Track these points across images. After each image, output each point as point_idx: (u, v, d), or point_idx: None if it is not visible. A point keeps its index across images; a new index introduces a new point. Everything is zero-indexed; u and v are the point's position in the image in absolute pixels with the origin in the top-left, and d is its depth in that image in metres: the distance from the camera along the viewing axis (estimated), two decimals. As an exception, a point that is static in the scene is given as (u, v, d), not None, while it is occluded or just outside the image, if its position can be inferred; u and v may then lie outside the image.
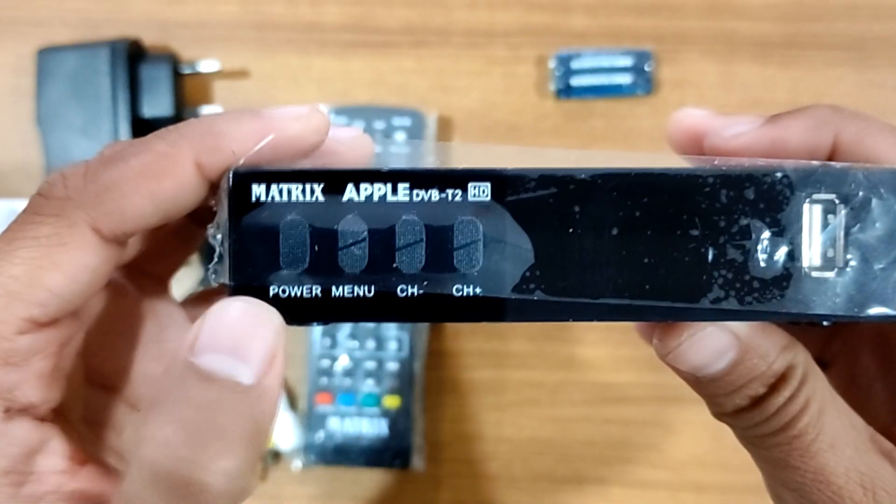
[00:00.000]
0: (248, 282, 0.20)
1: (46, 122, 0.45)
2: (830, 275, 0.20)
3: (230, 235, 0.20)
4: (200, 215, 0.22)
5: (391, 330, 0.46)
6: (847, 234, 0.20)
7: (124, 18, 0.48)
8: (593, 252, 0.20)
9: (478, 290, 0.20)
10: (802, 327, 0.21)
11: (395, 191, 0.20)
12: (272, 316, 0.19)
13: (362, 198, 0.20)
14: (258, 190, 0.20)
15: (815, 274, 0.20)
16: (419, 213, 0.20)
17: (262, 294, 0.20)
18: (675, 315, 0.20)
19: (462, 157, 0.29)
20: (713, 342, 0.20)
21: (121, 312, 0.25)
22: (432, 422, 0.47)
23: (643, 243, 0.20)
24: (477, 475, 0.47)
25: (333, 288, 0.20)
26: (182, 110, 0.47)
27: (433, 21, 0.48)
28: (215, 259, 0.20)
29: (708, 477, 0.46)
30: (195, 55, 0.48)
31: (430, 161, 0.26)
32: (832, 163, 0.20)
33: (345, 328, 0.46)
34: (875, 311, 0.20)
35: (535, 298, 0.20)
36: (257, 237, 0.20)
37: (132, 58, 0.46)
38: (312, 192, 0.20)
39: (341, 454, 0.45)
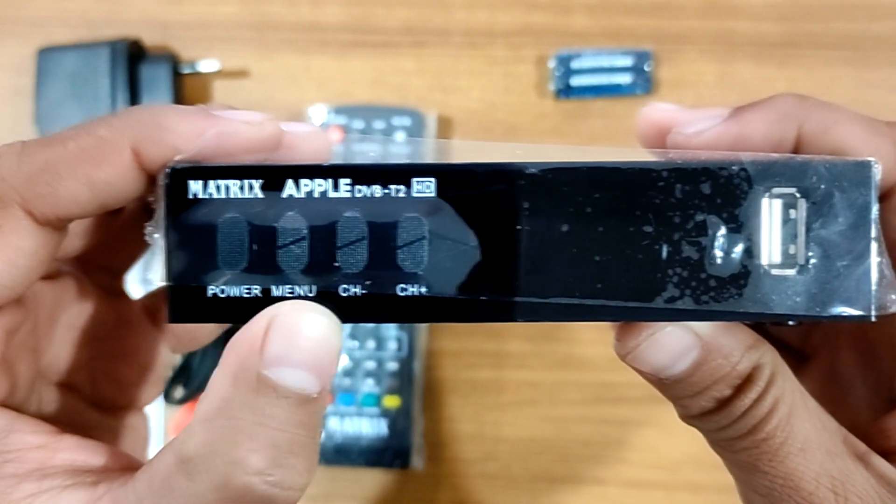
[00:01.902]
0: (185, 282, 0.19)
1: (46, 122, 0.45)
2: (791, 272, 0.19)
3: (167, 234, 0.19)
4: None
5: (391, 330, 0.46)
6: (808, 229, 0.19)
7: (124, 18, 0.48)
8: (542, 250, 0.19)
9: (423, 290, 0.19)
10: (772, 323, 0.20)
11: (336, 187, 0.19)
12: (341, 329, 0.19)
13: (302, 194, 0.19)
14: (195, 186, 0.19)
15: (774, 272, 0.19)
16: (361, 210, 0.19)
17: (199, 294, 0.19)
18: (628, 315, 0.19)
19: (437, 153, 0.29)
20: (673, 342, 0.19)
21: (74, 306, 0.25)
22: (432, 422, 0.47)
23: (594, 240, 0.19)
24: (476, 475, 0.47)
25: (274, 288, 0.19)
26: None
27: (433, 21, 0.48)
28: (151, 257, 0.20)
29: (704, 477, 0.46)
30: (195, 55, 0.48)
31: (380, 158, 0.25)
32: (792, 155, 0.19)
33: (345, 328, 0.46)
34: (838, 310, 0.19)
35: (483, 298, 0.19)
36: (195, 235, 0.19)
37: (132, 58, 0.46)
38: (251, 188, 0.19)
39: (341, 454, 0.46)
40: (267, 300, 0.19)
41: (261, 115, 0.21)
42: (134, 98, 0.45)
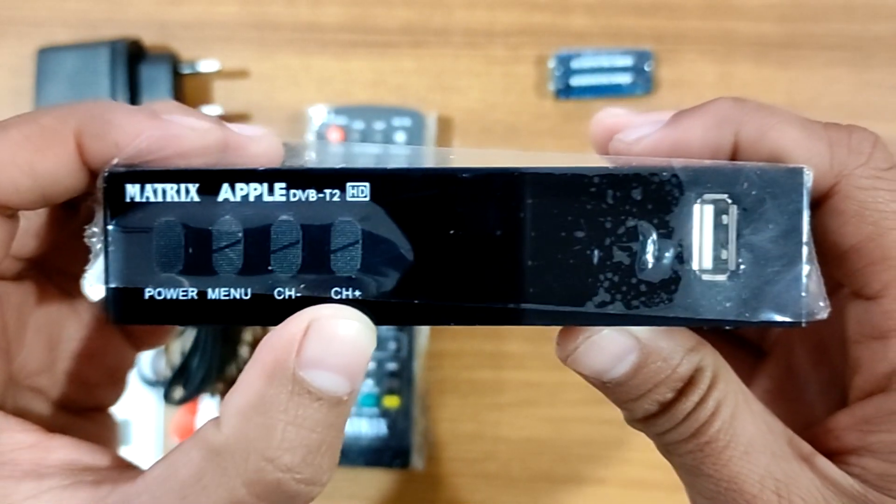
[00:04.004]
0: (122, 284, 0.20)
1: (46, 122, 0.45)
2: (722, 278, 0.19)
3: (104, 237, 0.20)
4: None
5: (390, 330, 0.46)
6: (739, 235, 0.19)
7: (124, 18, 0.48)
8: (476, 254, 0.19)
9: (357, 294, 0.19)
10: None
11: (271, 191, 0.19)
12: (374, 333, 0.19)
13: (238, 198, 0.19)
14: (132, 190, 0.19)
15: (705, 277, 0.19)
16: (296, 214, 0.19)
17: (137, 296, 0.20)
18: (560, 319, 0.19)
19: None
20: (611, 345, 0.19)
21: (39, 309, 0.24)
22: (432, 422, 0.47)
23: (527, 245, 0.19)
24: (476, 475, 0.47)
25: (210, 290, 0.20)
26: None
27: (433, 21, 0.48)
28: (90, 260, 0.20)
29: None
30: (195, 55, 0.48)
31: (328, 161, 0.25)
32: (724, 161, 0.20)
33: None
34: (768, 316, 0.19)
35: (416, 302, 0.19)
36: (132, 238, 0.20)
37: (132, 58, 0.46)
38: (188, 192, 0.19)
39: (341, 454, 0.45)
40: (203, 303, 0.20)
41: (208, 120, 0.21)
42: (134, 98, 0.45)
